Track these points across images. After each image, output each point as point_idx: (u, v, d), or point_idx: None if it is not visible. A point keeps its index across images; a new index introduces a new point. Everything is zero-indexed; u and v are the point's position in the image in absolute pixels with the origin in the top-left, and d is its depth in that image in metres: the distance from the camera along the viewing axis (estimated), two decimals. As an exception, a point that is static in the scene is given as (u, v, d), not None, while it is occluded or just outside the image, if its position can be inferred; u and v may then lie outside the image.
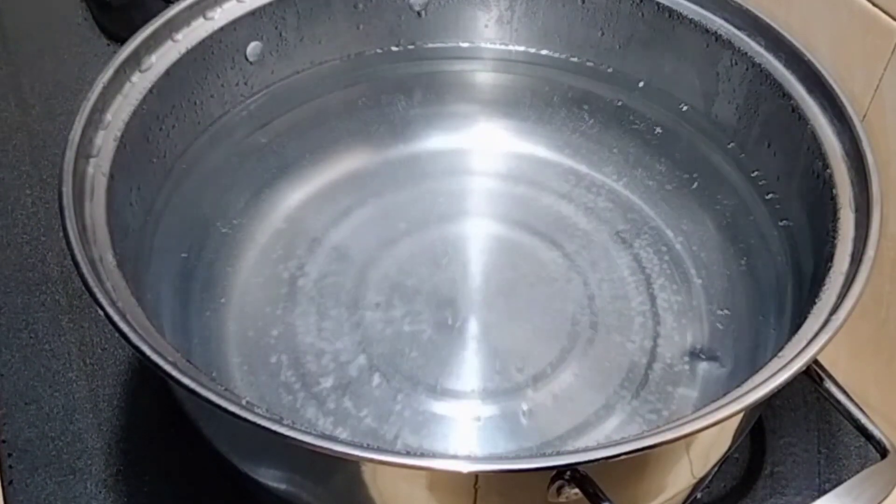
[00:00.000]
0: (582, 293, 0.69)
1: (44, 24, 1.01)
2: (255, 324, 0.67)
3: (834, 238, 0.57)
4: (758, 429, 0.69)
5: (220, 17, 0.69)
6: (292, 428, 0.46)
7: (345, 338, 0.66)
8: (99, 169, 0.59)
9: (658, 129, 0.76)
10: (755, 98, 0.69)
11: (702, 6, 0.71)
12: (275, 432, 0.45)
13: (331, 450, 0.45)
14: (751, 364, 0.62)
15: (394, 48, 0.79)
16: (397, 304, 0.68)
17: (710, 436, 0.54)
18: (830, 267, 0.56)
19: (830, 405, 0.58)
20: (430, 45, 0.80)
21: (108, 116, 0.62)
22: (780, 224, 0.67)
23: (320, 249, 0.71)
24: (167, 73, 0.66)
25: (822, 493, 0.56)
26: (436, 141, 0.79)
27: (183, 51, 0.67)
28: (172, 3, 0.67)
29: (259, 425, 0.46)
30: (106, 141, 0.61)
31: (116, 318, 0.50)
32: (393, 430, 0.61)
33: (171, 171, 0.69)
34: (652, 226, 0.73)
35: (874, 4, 0.63)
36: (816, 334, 0.51)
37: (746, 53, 0.68)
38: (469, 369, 0.64)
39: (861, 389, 0.67)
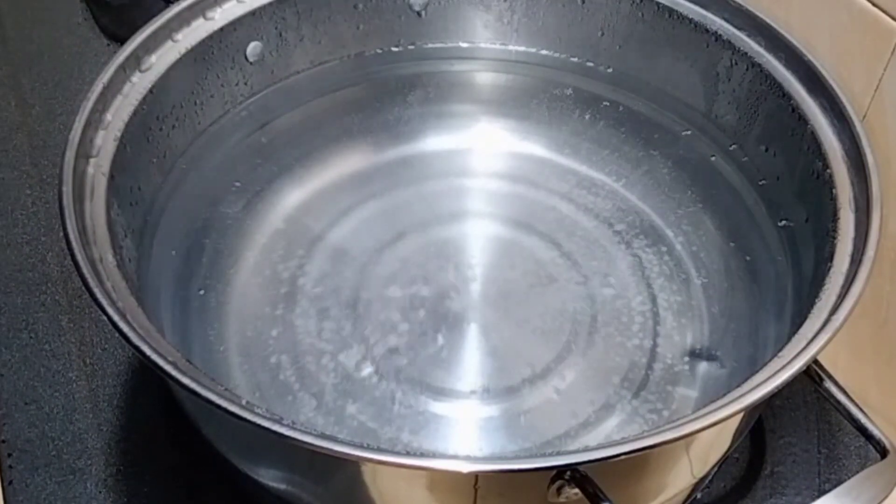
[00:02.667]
0: (582, 293, 0.69)
1: (44, 24, 1.01)
2: (255, 324, 0.67)
3: (834, 238, 0.58)
4: (758, 429, 0.69)
5: (220, 17, 0.69)
6: (292, 428, 0.46)
7: (345, 338, 0.66)
8: (99, 169, 0.59)
9: (658, 129, 0.76)
10: (755, 98, 0.69)
11: (702, 6, 0.71)
12: (275, 432, 0.46)
13: (331, 450, 0.45)
14: (751, 364, 0.62)
15: (394, 48, 0.79)
16: (397, 305, 0.68)
17: (710, 436, 0.54)
18: (830, 267, 0.56)
19: (830, 405, 0.58)
20: (430, 45, 0.80)
21: (108, 116, 0.62)
22: (780, 224, 0.67)
23: (320, 249, 0.71)
24: (167, 73, 0.66)
25: (822, 493, 0.56)
26: (436, 141, 0.79)
27: (183, 51, 0.67)
28: (172, 3, 0.67)
29: (259, 425, 0.46)
30: (106, 141, 0.61)
31: (116, 318, 0.50)
32: (393, 430, 0.61)
33: (171, 171, 0.69)
34: (652, 226, 0.73)
35: (874, 4, 0.63)
36: (816, 334, 0.51)
37: (746, 53, 0.69)
38: (469, 369, 0.64)
39: (861, 389, 0.68)
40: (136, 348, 0.49)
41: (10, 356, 0.72)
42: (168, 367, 0.48)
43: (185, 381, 0.48)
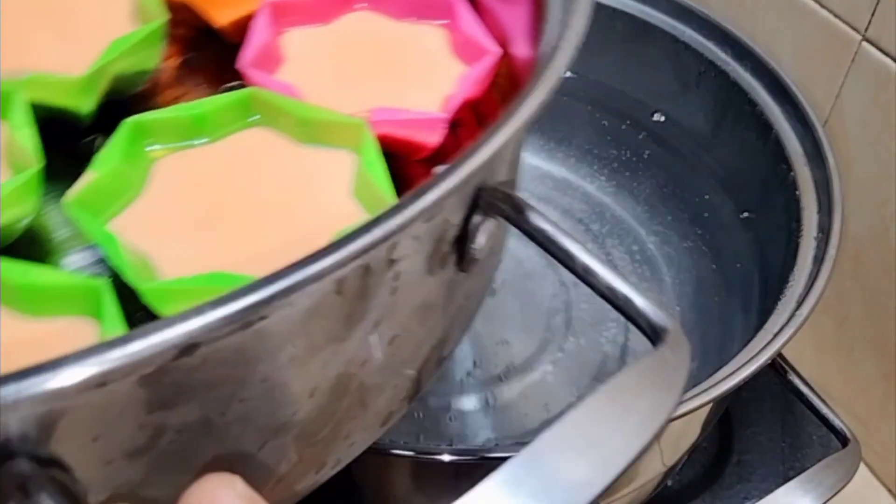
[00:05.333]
0: (558, 290, 0.69)
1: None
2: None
3: (797, 237, 0.58)
4: (725, 419, 0.69)
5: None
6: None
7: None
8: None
9: (630, 135, 0.76)
10: (723, 104, 0.69)
11: (673, 18, 0.71)
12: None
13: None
14: (718, 357, 0.62)
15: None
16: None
17: (680, 426, 0.54)
18: (794, 265, 0.56)
19: (794, 397, 0.58)
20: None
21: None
22: (747, 224, 0.67)
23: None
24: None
25: (787, 479, 0.56)
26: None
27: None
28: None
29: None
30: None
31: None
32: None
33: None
34: (624, 226, 0.73)
35: (835, 15, 0.63)
36: (781, 329, 0.51)
37: (714, 63, 0.69)
38: (450, 362, 0.64)
39: (823, 382, 0.68)
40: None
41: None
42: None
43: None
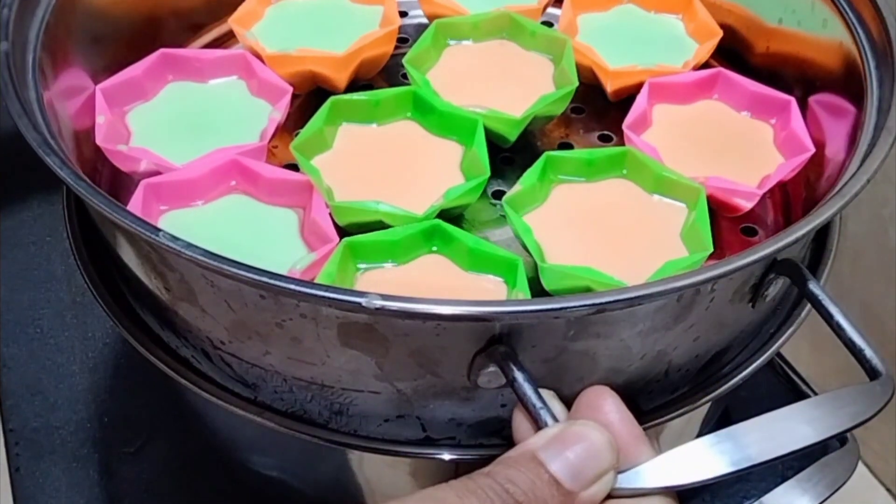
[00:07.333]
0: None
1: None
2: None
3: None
4: (724, 418, 0.68)
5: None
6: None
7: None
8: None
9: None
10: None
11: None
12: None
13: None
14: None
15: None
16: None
17: (679, 425, 0.53)
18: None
19: (793, 396, 0.57)
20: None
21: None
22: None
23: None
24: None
25: (785, 479, 0.55)
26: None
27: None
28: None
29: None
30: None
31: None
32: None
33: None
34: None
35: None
36: (779, 328, 0.51)
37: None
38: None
39: (821, 380, 0.67)
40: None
41: (17, 350, 0.71)
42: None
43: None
